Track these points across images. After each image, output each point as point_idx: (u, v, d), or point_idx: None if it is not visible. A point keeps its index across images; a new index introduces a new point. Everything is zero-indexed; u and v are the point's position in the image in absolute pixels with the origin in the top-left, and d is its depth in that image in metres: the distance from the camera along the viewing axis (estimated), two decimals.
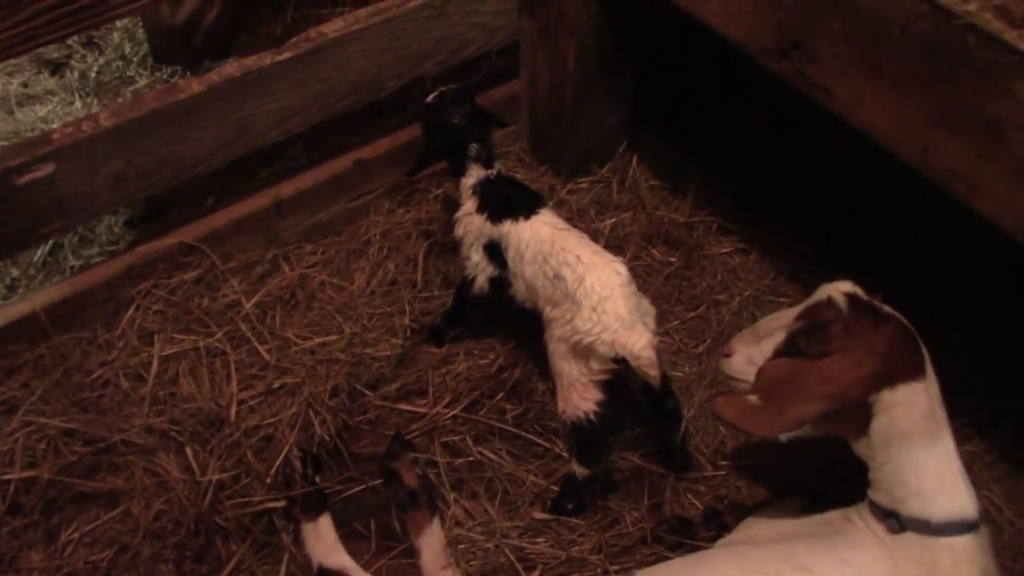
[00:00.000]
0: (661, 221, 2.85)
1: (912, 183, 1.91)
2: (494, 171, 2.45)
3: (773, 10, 1.93)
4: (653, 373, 2.05)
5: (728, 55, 2.21)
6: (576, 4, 2.58)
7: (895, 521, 1.72)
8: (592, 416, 2.14)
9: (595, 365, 2.11)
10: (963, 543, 1.67)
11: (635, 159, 3.01)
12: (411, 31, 2.58)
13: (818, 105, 1.94)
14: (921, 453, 1.72)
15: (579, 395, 2.15)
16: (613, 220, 2.85)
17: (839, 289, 1.83)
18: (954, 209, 1.77)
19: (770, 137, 3.14)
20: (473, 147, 2.43)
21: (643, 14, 2.70)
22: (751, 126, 3.16)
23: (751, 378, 1.95)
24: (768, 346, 1.95)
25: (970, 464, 2.37)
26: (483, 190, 2.42)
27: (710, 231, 2.88)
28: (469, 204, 2.43)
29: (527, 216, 2.32)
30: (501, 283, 2.39)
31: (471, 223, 2.42)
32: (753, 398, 1.81)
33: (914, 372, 1.75)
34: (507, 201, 2.37)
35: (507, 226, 2.33)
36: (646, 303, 2.15)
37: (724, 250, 2.84)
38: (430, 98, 2.48)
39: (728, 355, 2.07)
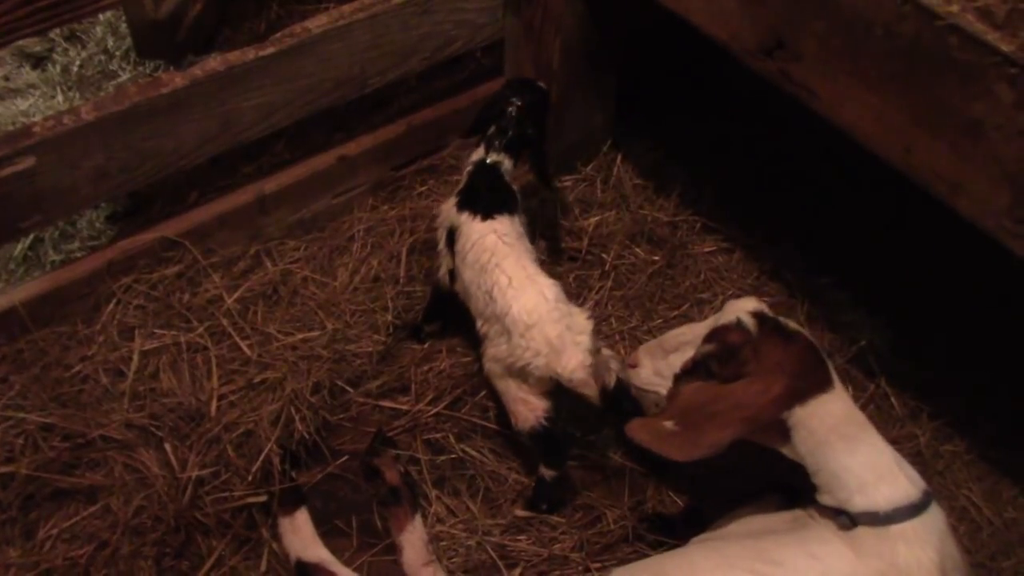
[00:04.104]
0: (645, 220, 2.86)
1: (895, 183, 1.92)
2: (491, 158, 2.39)
3: (757, 9, 1.94)
4: (589, 392, 2.06)
5: (713, 54, 2.21)
6: (561, 2, 2.58)
7: (845, 518, 1.75)
8: (544, 423, 2.16)
9: (533, 382, 2.13)
10: (915, 528, 1.70)
11: (619, 158, 3.02)
12: (395, 28, 2.57)
13: (802, 105, 1.95)
14: (846, 456, 1.76)
15: (526, 408, 2.17)
16: (597, 218, 2.86)
17: (746, 309, 1.87)
18: (936, 209, 1.78)
19: (754, 137, 3.14)
20: (493, 129, 2.39)
21: (628, 13, 2.71)
22: (735, 125, 3.17)
23: (661, 389, 2.03)
24: (676, 360, 2.00)
25: (950, 463, 2.39)
26: (471, 171, 2.40)
27: (694, 230, 2.89)
28: (460, 184, 2.42)
29: (484, 217, 2.27)
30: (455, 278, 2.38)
31: (447, 203, 2.40)
32: (669, 423, 1.84)
33: (823, 385, 1.79)
34: (477, 193, 2.34)
35: (464, 217, 2.30)
36: (581, 319, 2.10)
37: (707, 249, 2.85)
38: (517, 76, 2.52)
39: (633, 366, 2.12)
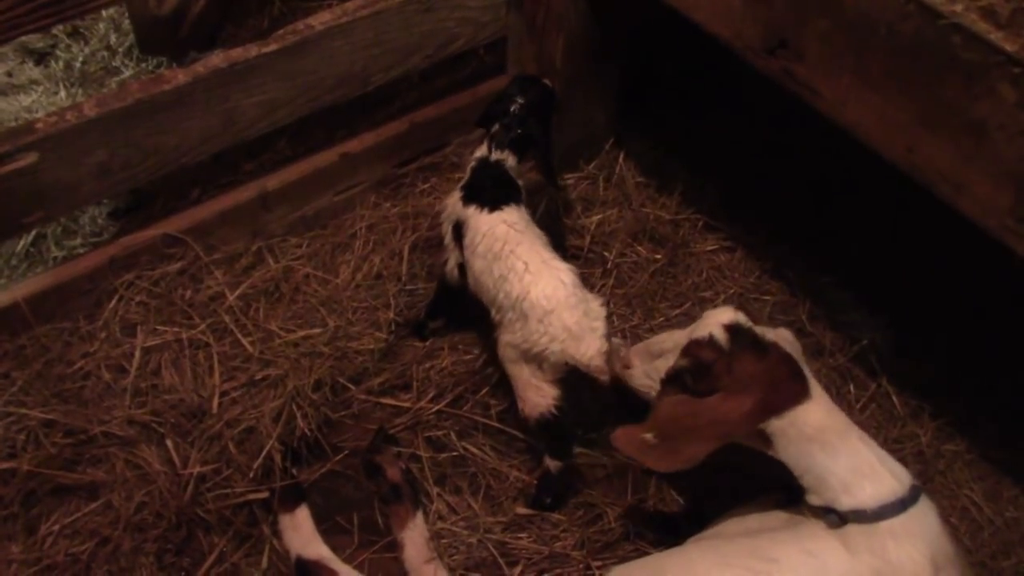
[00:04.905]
0: (647, 218, 2.86)
1: (898, 182, 1.91)
2: (495, 155, 2.39)
3: (760, 8, 1.93)
4: (603, 378, 2.09)
5: (716, 53, 2.21)
6: (564, 0, 2.57)
7: (835, 517, 1.76)
8: (554, 410, 2.16)
9: (547, 368, 2.13)
10: (903, 523, 1.72)
11: (622, 156, 3.02)
12: (398, 25, 2.57)
13: (805, 104, 1.95)
14: (828, 460, 1.77)
15: (536, 394, 2.17)
16: (599, 217, 2.86)
17: (720, 321, 1.88)
18: (938, 209, 1.78)
19: (756, 136, 3.14)
20: (497, 127, 2.40)
21: (631, 10, 2.70)
22: (738, 124, 3.17)
23: (652, 391, 2.05)
24: (662, 365, 2.01)
25: (952, 463, 2.40)
26: (475, 167, 2.41)
27: (696, 228, 2.89)
28: (464, 179, 2.42)
29: (491, 209, 2.28)
30: (466, 272, 2.37)
31: (451, 197, 2.40)
32: (649, 436, 1.88)
33: (798, 396, 1.81)
34: (481, 187, 2.34)
35: (471, 211, 2.30)
36: (596, 305, 2.11)
37: (709, 248, 2.85)
38: (523, 74, 2.55)
39: (627, 367, 2.15)
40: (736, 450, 1.88)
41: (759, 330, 1.89)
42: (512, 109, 2.39)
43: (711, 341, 1.86)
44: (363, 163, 2.79)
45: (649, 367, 2.10)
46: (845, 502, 1.75)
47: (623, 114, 3.04)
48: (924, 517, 1.75)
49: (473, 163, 2.43)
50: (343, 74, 2.57)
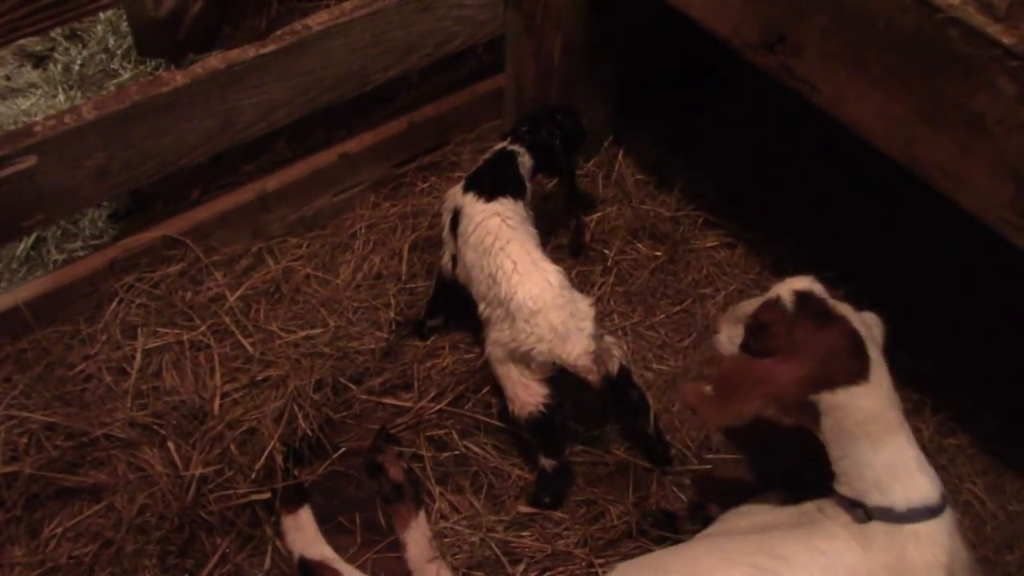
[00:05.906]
0: (647, 215, 2.85)
1: (897, 177, 1.91)
2: (512, 146, 2.43)
3: (758, 3, 1.94)
4: (592, 378, 2.09)
5: (715, 49, 2.21)
6: None
7: (861, 511, 1.75)
8: (543, 409, 2.17)
9: (535, 367, 2.14)
10: (928, 529, 1.70)
11: (621, 153, 3.01)
12: (396, 24, 2.57)
13: (804, 100, 1.95)
14: (869, 452, 1.75)
15: (525, 393, 2.18)
16: (599, 214, 2.86)
17: (793, 287, 1.86)
18: (938, 203, 1.78)
19: (756, 132, 3.14)
20: (524, 128, 2.46)
21: (629, 7, 2.70)
22: (737, 121, 3.16)
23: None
24: (740, 330, 1.99)
25: (954, 457, 2.39)
26: (487, 157, 2.45)
27: (696, 225, 2.89)
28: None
29: (487, 199, 2.29)
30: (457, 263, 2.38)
31: (454, 188, 2.42)
32: (708, 388, 1.88)
33: (855, 376, 1.76)
34: (483, 174, 2.36)
35: (468, 198, 2.32)
36: (584, 305, 2.13)
37: (709, 244, 2.85)
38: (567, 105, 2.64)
39: (717, 332, 2.11)
40: (740, 446, 1.87)
41: (832, 303, 1.84)
42: (545, 123, 2.47)
43: (776, 302, 1.84)
44: (362, 163, 2.79)
45: (732, 332, 2.05)
46: (874, 498, 1.73)
47: (622, 111, 3.03)
48: (947, 525, 1.73)
49: (487, 154, 2.46)
50: (341, 74, 2.56)
